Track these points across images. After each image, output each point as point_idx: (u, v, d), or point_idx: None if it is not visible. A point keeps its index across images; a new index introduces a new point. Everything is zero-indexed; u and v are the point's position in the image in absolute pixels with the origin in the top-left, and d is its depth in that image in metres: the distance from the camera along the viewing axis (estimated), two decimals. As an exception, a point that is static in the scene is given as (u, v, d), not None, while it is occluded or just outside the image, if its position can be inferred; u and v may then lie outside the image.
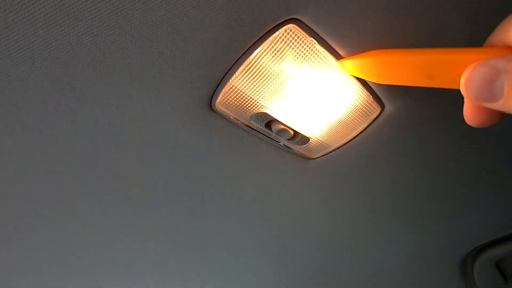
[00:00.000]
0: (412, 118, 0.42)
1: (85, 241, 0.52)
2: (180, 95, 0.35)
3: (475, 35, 0.34)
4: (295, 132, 0.41)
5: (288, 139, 0.41)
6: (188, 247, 0.59)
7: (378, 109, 0.40)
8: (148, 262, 0.61)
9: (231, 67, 0.33)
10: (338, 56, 0.34)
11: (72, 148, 0.37)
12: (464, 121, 0.25)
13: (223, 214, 0.53)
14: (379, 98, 0.39)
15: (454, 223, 0.64)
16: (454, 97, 0.33)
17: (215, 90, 0.35)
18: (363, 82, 0.37)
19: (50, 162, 0.38)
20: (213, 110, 0.37)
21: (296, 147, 0.44)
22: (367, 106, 0.40)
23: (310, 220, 0.59)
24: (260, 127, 0.39)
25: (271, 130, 0.40)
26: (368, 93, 0.38)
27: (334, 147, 0.45)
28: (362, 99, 0.39)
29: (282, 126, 0.39)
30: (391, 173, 0.51)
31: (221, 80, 0.34)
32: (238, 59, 0.32)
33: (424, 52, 0.24)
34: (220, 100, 0.36)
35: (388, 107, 0.41)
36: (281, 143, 0.43)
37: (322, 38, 0.32)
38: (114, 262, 0.58)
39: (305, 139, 0.42)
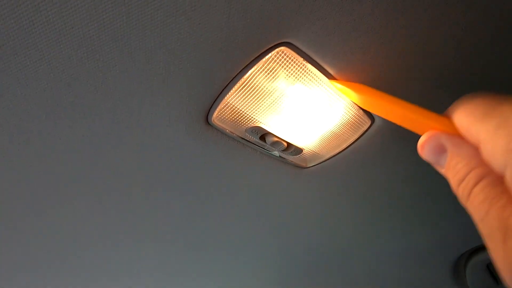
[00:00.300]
0: (403, 129, 0.43)
1: (85, 241, 0.53)
2: (177, 112, 0.36)
3: (462, 42, 0.35)
4: (289, 144, 0.42)
5: (282, 150, 0.43)
6: (188, 247, 0.61)
7: (369, 122, 0.42)
8: (148, 262, 0.62)
9: (226, 85, 0.35)
10: (328, 74, 0.35)
11: (72, 150, 0.38)
12: None
13: (222, 215, 0.55)
14: (369, 112, 0.40)
15: (447, 226, 0.65)
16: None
17: (211, 106, 0.37)
18: (353, 97, 0.38)
19: (50, 162, 0.39)
20: (209, 124, 0.39)
21: (290, 157, 0.45)
22: (358, 119, 0.41)
23: (307, 222, 0.61)
24: (255, 139, 0.41)
25: (265, 142, 0.41)
26: (358, 107, 0.39)
27: (327, 157, 0.46)
28: (353, 113, 0.40)
29: (276, 139, 0.41)
30: (384, 180, 0.53)
31: (217, 97, 0.36)
32: (233, 78, 0.34)
33: (397, 103, 0.27)
34: (216, 116, 0.37)
35: (379, 120, 0.42)
36: (276, 154, 0.44)
37: (313, 59, 0.34)
38: (114, 262, 0.60)
39: (298, 150, 0.43)
